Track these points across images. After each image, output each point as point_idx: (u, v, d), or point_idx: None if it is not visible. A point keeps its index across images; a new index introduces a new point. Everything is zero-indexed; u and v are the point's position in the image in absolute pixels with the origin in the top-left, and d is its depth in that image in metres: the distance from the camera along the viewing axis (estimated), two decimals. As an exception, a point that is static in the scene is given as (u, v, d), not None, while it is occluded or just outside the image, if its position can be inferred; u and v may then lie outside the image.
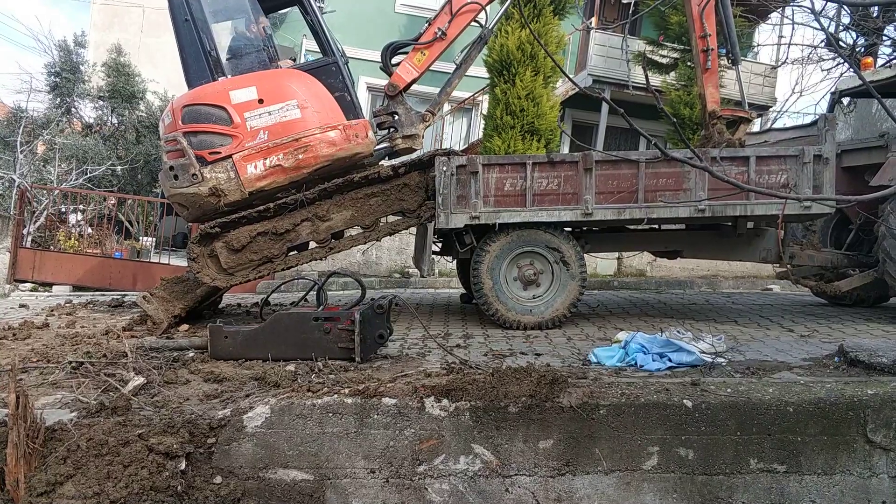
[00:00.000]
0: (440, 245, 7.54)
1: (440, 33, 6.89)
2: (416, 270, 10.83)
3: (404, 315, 7.10)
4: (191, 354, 5.12)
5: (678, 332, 5.44)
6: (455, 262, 8.60)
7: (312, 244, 6.62)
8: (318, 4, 7.18)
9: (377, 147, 6.87)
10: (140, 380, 4.31)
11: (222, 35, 6.87)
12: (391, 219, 6.74)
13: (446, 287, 10.74)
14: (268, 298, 5.89)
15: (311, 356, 4.80)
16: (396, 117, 6.98)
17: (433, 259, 7.35)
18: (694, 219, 6.52)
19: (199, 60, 6.39)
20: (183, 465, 3.36)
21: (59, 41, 15.53)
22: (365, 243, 6.69)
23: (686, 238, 7.17)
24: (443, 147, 13.90)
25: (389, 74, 7.01)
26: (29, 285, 10.33)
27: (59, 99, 15.45)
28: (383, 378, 4.19)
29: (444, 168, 6.20)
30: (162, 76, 15.96)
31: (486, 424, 3.76)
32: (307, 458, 3.67)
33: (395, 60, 7.10)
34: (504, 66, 11.67)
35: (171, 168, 6.23)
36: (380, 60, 7.11)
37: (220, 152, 6.16)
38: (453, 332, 6.22)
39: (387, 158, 7.22)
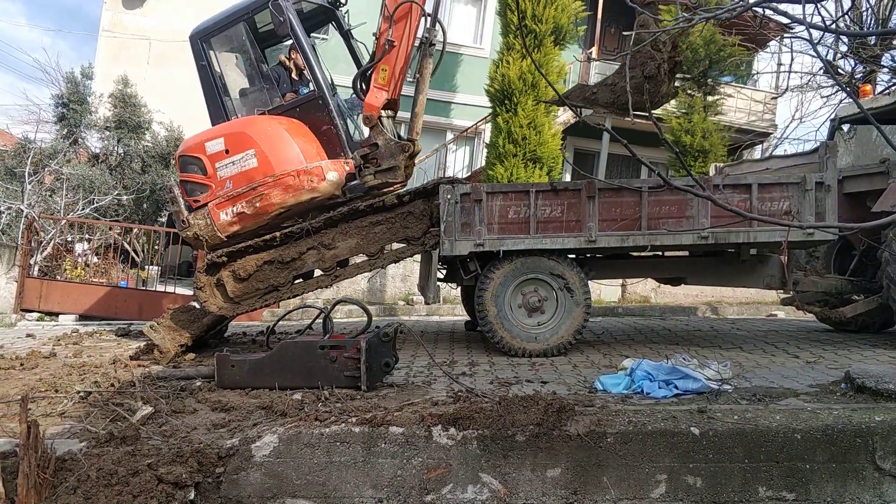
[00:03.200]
0: (444, 272, 7.58)
1: (388, 43, 6.56)
2: (420, 298, 10.87)
3: (409, 343, 7.11)
4: (198, 383, 5.14)
5: (684, 358, 5.44)
6: (459, 289, 8.64)
7: (318, 272, 6.68)
8: (318, 36, 7.36)
9: (352, 184, 6.67)
10: (148, 409, 4.33)
11: (237, 76, 7.12)
12: (396, 246, 6.79)
13: (450, 314, 10.76)
14: (273, 327, 5.92)
15: (317, 384, 4.81)
16: (378, 149, 6.72)
17: (438, 286, 7.37)
18: (697, 246, 6.56)
19: (214, 102, 6.88)
20: (192, 495, 3.36)
21: (67, 73, 15.78)
22: (370, 271, 6.75)
23: (689, 265, 7.21)
24: (446, 175, 14.04)
25: None
26: (35, 314, 10.37)
27: (66, 129, 15.65)
28: (390, 406, 4.20)
29: (449, 196, 6.26)
30: (167, 107, 16.17)
31: (493, 453, 3.76)
32: (315, 487, 3.67)
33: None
34: (506, 95, 11.85)
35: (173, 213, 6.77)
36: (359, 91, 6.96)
37: (199, 200, 6.61)
38: (458, 360, 6.23)
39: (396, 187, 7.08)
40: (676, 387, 4.77)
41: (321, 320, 5.44)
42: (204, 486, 3.49)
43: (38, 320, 10.26)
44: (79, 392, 4.75)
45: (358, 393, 4.75)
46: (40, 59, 38.47)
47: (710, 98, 14.17)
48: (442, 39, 6.70)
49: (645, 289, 12.03)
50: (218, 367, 5.05)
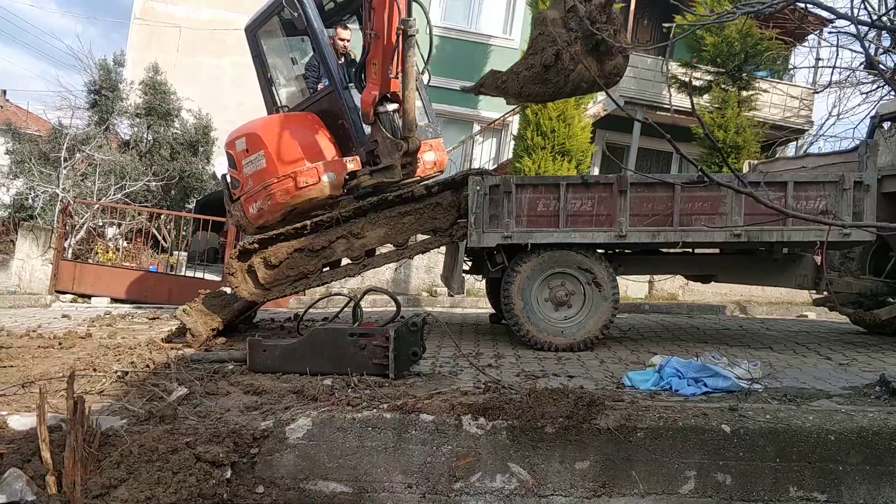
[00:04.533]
0: (470, 264, 7.58)
1: (372, 34, 6.19)
2: (443, 289, 10.89)
3: (435, 334, 7.14)
4: (230, 367, 5.22)
5: (713, 356, 5.40)
6: (484, 281, 8.65)
7: (346, 261, 6.73)
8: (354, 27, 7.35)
9: (352, 184, 6.62)
10: (183, 390, 4.42)
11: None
12: (423, 237, 6.82)
13: (474, 307, 10.77)
14: (304, 314, 5.99)
15: (346, 371, 4.86)
16: (378, 147, 6.56)
17: (463, 278, 7.39)
18: (729, 243, 6.49)
19: (265, 94, 7.16)
20: (228, 474, 3.44)
21: (100, 60, 16.02)
22: (397, 261, 6.80)
23: (720, 262, 7.14)
24: (472, 167, 14.01)
25: None
26: (69, 296, 10.60)
27: (98, 116, 15.90)
28: (419, 395, 4.24)
29: (478, 188, 6.26)
30: (196, 94, 16.35)
31: (522, 444, 3.78)
32: (346, 470, 3.73)
33: None
34: (536, 87, 11.76)
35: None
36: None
37: (235, 193, 6.93)
38: (484, 352, 6.25)
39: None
40: (706, 385, 4.74)
41: (349, 308, 5.49)
42: (239, 465, 3.57)
43: (71, 302, 10.48)
44: (116, 372, 4.86)
45: (386, 381, 4.79)
46: (73, 46, 39.08)
47: (744, 93, 13.95)
48: (427, 28, 6.27)
49: (673, 286, 11.92)
50: (250, 352, 5.13)
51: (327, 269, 6.67)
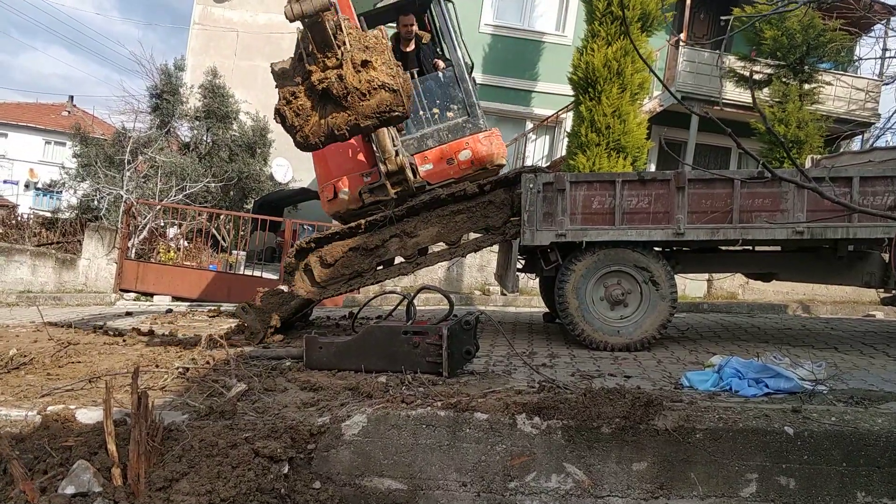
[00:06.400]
0: (524, 262, 7.54)
1: None
2: (496, 288, 10.87)
3: (487, 332, 7.13)
4: (287, 363, 5.33)
5: (775, 357, 5.23)
6: (537, 280, 8.59)
7: (399, 259, 6.79)
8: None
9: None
10: (242, 386, 4.52)
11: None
12: (475, 235, 6.81)
13: (527, 305, 10.72)
14: (359, 312, 6.07)
15: (400, 369, 4.90)
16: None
17: (517, 276, 7.35)
18: (791, 241, 6.28)
19: None
20: (286, 469, 3.51)
21: (162, 65, 16.57)
22: (450, 259, 6.81)
23: (782, 260, 6.92)
24: (525, 165, 13.94)
25: None
26: (132, 295, 10.99)
27: (160, 119, 16.45)
28: (472, 393, 4.24)
29: (531, 185, 6.22)
30: (254, 97, 16.75)
31: (578, 444, 3.75)
32: (401, 467, 3.76)
33: None
34: (589, 83, 11.65)
35: None
36: None
37: None
38: (538, 351, 6.21)
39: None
40: (767, 385, 4.61)
41: (403, 307, 5.53)
42: (297, 461, 3.64)
43: (134, 300, 10.87)
44: (178, 368, 5.02)
45: (439, 379, 4.81)
46: (135, 51, 40.58)
47: (806, 86, 13.47)
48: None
49: (732, 285, 11.61)
50: (307, 349, 5.22)
51: (381, 267, 6.73)
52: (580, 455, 3.73)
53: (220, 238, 13.88)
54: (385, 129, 6.07)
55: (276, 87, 5.13)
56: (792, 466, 3.69)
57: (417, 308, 5.53)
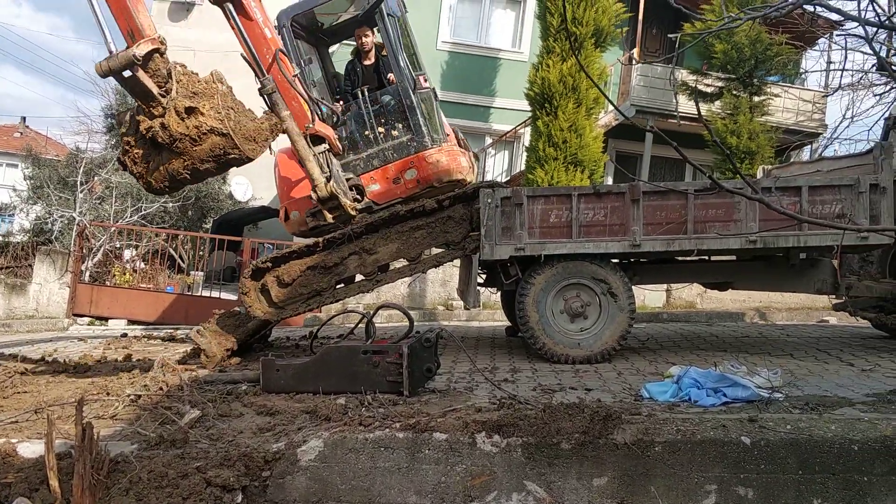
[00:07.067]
0: (484, 277, 7.54)
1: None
2: (459, 302, 10.84)
3: (450, 348, 7.10)
4: (244, 387, 5.20)
5: (732, 365, 5.30)
6: (499, 294, 8.59)
7: (360, 277, 6.71)
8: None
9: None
10: (196, 413, 4.39)
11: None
12: (436, 251, 6.79)
13: (490, 319, 10.72)
14: (317, 332, 5.97)
15: (360, 389, 4.81)
16: None
17: (479, 291, 7.33)
18: (745, 250, 6.40)
19: None
20: (239, 499, 3.41)
21: (115, 85, 16.25)
22: (411, 275, 6.76)
23: (737, 269, 7.04)
24: (485, 180, 13.98)
25: None
26: (87, 319, 10.69)
27: (115, 139, 16.13)
28: (433, 412, 4.19)
29: (489, 200, 6.23)
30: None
31: (538, 461, 3.72)
32: (360, 492, 3.68)
33: None
34: (546, 98, 11.78)
35: None
36: None
37: None
38: (500, 366, 6.19)
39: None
40: (725, 395, 4.65)
41: (364, 325, 5.46)
42: (251, 489, 3.53)
43: (88, 325, 10.57)
44: (129, 395, 4.86)
45: (401, 398, 4.74)
46: (90, 71, 39.74)
47: (756, 98, 13.85)
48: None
49: (691, 294, 11.80)
50: (263, 372, 5.10)
51: (341, 286, 6.65)
52: (540, 472, 3.71)
53: (177, 259, 13.61)
54: (311, 156, 6.06)
55: (120, 135, 5.24)
56: (750, 476, 3.72)
57: (381, 326, 5.47)
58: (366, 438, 3.74)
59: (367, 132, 6.80)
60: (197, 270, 13.17)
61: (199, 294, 11.85)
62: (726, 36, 12.83)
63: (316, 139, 6.25)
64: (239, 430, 4.18)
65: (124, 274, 12.03)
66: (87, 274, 11.49)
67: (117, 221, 13.19)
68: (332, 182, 6.19)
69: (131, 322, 10.67)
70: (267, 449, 3.70)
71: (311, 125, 6.14)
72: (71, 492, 3.09)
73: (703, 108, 14.14)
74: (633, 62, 14.89)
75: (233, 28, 5.97)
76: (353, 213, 6.34)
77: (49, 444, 3.14)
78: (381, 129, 6.77)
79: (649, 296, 11.67)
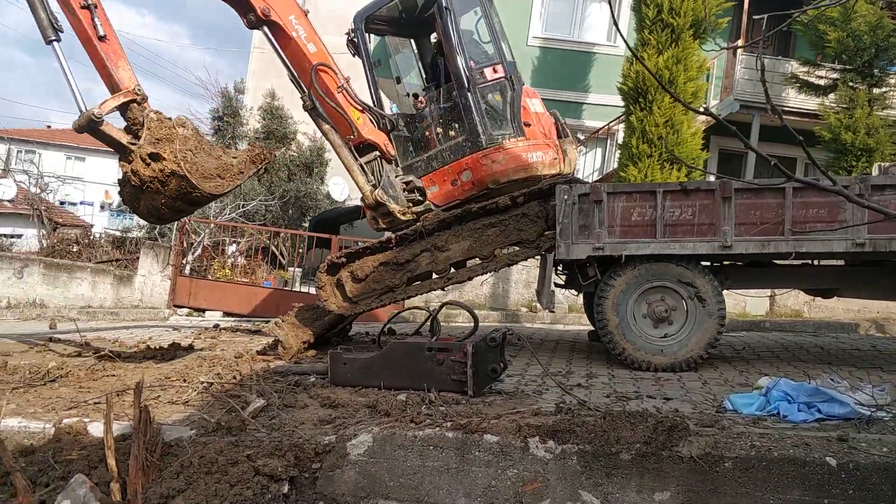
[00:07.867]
0: (564, 278, 7.28)
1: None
2: (545, 304, 10.58)
3: (525, 350, 6.90)
4: (312, 379, 5.26)
5: (832, 379, 4.81)
6: (582, 296, 8.29)
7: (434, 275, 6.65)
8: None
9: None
10: (261, 402, 4.46)
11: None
12: (512, 249, 6.60)
13: (577, 323, 10.39)
14: (385, 328, 5.96)
15: (423, 387, 4.75)
16: None
17: (553, 292, 7.08)
18: (853, 254, 5.81)
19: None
20: (286, 489, 3.41)
21: (222, 88, 17.13)
22: (482, 274, 6.61)
23: (843, 275, 6.42)
24: (573, 178, 13.60)
25: None
26: (185, 310, 11.26)
27: (221, 141, 16.97)
28: (489, 413, 4.05)
29: (566, 196, 6.00)
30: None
31: (595, 470, 3.50)
32: (408, 490, 3.60)
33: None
34: (640, 92, 11.31)
35: None
36: None
37: None
38: (576, 371, 5.94)
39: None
40: (820, 410, 4.22)
41: (439, 321, 5.37)
42: (300, 480, 3.53)
43: (187, 315, 11.13)
44: (202, 383, 5.02)
45: (464, 398, 4.63)
46: (202, 77, 42.20)
47: (875, 90, 12.67)
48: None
49: (797, 302, 10.96)
50: (331, 365, 5.14)
51: (415, 282, 6.61)
52: (597, 482, 3.48)
53: (278, 255, 14.11)
54: (355, 166, 6.52)
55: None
56: (835, 502, 3.33)
57: (460, 325, 5.37)
58: (415, 436, 3.65)
59: (427, 132, 6.70)
60: (295, 267, 13.60)
61: (295, 289, 12.20)
62: (842, 23, 11.83)
63: (368, 146, 6.45)
64: (300, 421, 4.21)
65: (223, 268, 12.58)
66: (188, 267, 12.10)
67: (217, 218, 13.83)
68: (378, 190, 6.33)
69: (227, 314, 11.13)
70: (318, 441, 3.69)
71: (352, 136, 6.43)
72: (127, 471, 3.18)
73: (816, 101, 13.11)
74: (738, 53, 14.01)
75: (273, 49, 6.25)
76: (403, 218, 6.41)
77: (108, 424, 3.25)
78: (439, 130, 6.64)
79: (751, 303, 10.95)
